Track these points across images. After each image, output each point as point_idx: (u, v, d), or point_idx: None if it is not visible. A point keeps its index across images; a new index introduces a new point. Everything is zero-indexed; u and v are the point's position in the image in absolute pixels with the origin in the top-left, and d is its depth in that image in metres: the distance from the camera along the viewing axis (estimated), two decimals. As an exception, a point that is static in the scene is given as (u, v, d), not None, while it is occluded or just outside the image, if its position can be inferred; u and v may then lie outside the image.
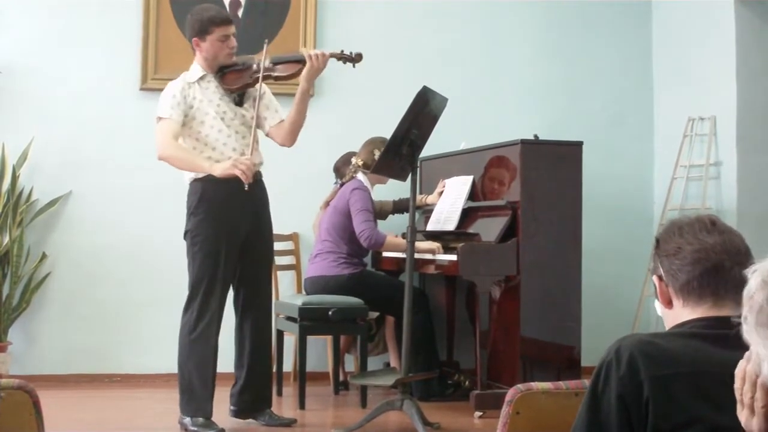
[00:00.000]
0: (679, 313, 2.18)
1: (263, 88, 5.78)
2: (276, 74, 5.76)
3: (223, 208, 5.62)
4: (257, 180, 5.71)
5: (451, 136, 7.25)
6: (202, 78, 5.71)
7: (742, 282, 2.09)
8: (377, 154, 6.86)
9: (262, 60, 5.67)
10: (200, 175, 5.62)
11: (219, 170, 5.48)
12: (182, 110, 5.59)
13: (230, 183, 5.51)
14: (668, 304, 2.21)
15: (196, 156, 5.61)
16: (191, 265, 5.68)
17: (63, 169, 7.40)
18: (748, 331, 1.74)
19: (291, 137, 5.88)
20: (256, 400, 5.86)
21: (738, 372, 1.80)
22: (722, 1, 7.37)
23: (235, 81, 5.75)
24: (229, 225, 5.64)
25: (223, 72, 5.76)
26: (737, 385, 1.80)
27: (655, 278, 2.24)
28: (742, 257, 2.16)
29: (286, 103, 6.02)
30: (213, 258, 5.62)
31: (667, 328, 2.25)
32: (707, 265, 2.13)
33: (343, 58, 5.79)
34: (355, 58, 5.79)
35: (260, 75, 5.65)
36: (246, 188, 5.41)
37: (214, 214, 5.62)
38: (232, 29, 5.74)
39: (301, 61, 5.74)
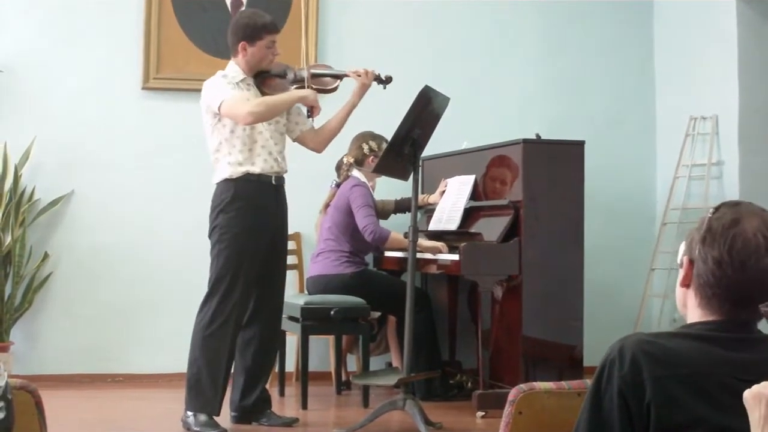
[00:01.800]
0: (693, 305, 2.14)
1: None
2: (315, 87, 5.91)
3: (254, 208, 5.69)
4: (282, 185, 5.88)
5: (453, 136, 7.25)
6: (242, 80, 5.78)
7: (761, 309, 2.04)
8: (366, 148, 6.91)
9: (307, 71, 5.89)
10: (234, 176, 5.67)
11: (308, 94, 5.77)
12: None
13: (262, 184, 5.72)
14: (687, 286, 2.17)
15: (279, 95, 5.77)
16: (215, 262, 5.70)
17: (65, 168, 7.40)
18: None
19: (327, 143, 6.09)
20: (257, 402, 5.86)
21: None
22: (724, 0, 7.37)
23: (276, 88, 5.87)
24: (257, 225, 5.70)
25: (262, 77, 5.86)
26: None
27: (685, 258, 2.16)
28: None
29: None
30: (238, 256, 5.65)
31: (678, 301, 2.22)
32: (738, 293, 2.06)
33: (377, 78, 6.00)
34: (386, 81, 6.04)
35: (307, 85, 5.84)
36: (313, 117, 5.84)
37: (244, 213, 5.67)
38: (277, 37, 5.86)
39: (339, 77, 5.98)
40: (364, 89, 5.94)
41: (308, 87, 5.83)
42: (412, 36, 7.99)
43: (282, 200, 5.88)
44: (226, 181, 5.69)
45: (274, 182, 5.78)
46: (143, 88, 7.53)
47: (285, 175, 5.90)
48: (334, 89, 6.00)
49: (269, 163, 5.73)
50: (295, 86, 5.88)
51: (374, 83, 6.00)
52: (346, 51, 7.76)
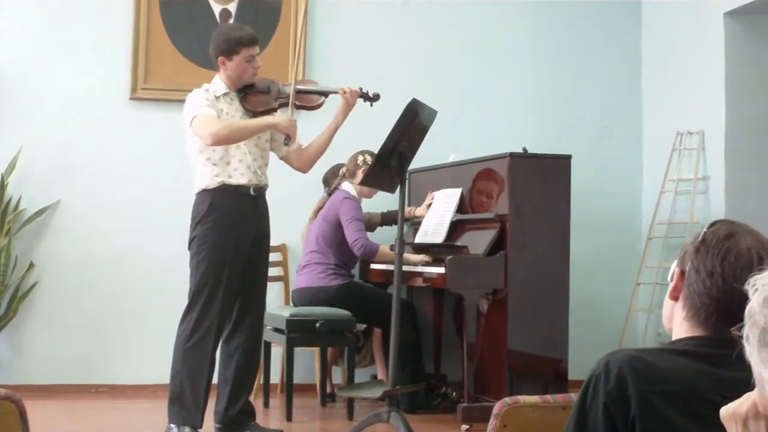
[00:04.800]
0: (680, 318, 2.15)
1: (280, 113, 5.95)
2: (299, 103, 5.88)
3: (232, 218, 5.64)
4: (261, 195, 5.81)
5: (439, 149, 7.26)
6: (225, 94, 5.75)
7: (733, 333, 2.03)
8: (360, 159, 6.92)
9: (292, 87, 5.81)
10: (211, 186, 5.63)
11: (280, 121, 5.71)
12: (215, 111, 5.63)
13: (240, 194, 5.66)
14: (675, 298, 2.18)
15: (250, 120, 5.73)
16: (194, 273, 5.66)
17: (52, 178, 7.38)
18: (750, 352, 1.71)
19: (311, 164, 6.04)
20: (241, 414, 5.83)
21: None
22: (711, 15, 7.40)
23: (259, 104, 5.81)
24: (236, 236, 5.65)
25: (245, 92, 5.81)
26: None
27: (677, 269, 2.17)
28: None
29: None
30: (217, 267, 5.61)
31: (664, 315, 2.23)
32: (726, 306, 2.06)
33: (363, 95, 5.98)
34: (373, 98, 6.01)
35: (291, 101, 5.78)
36: (290, 143, 5.78)
37: (222, 224, 5.62)
38: (257, 49, 5.79)
39: (325, 94, 5.93)
40: (348, 108, 5.90)
41: (292, 104, 5.79)
42: (400, 49, 8.00)
43: (262, 210, 5.83)
44: (204, 191, 5.67)
45: (252, 192, 5.72)
46: (131, 98, 7.52)
47: (266, 187, 5.87)
48: (319, 106, 5.96)
49: (247, 177, 5.68)
50: (278, 102, 5.84)
51: (360, 100, 5.97)
52: (334, 63, 7.77)
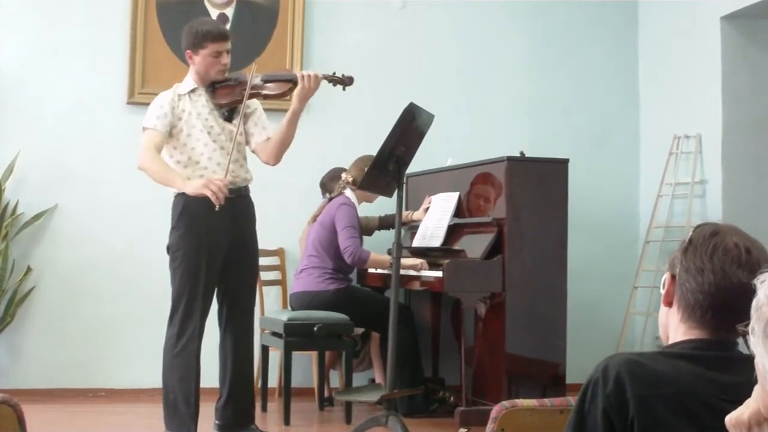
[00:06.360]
0: (675, 322, 2.16)
1: (254, 104, 5.79)
2: (265, 92, 5.72)
3: (204, 222, 5.55)
4: (243, 195, 5.74)
5: (437, 153, 7.27)
6: (193, 91, 5.67)
7: (745, 317, 2.04)
8: (366, 169, 6.89)
9: (250, 76, 5.61)
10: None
11: (190, 189, 5.37)
12: (168, 122, 5.55)
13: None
14: (669, 304, 2.19)
15: (171, 172, 5.51)
16: (173, 280, 5.64)
17: (49, 182, 7.38)
18: (755, 343, 1.71)
19: (276, 156, 5.78)
20: (239, 415, 5.81)
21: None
22: (708, 19, 7.41)
23: (224, 96, 5.70)
24: (209, 239, 5.59)
25: (214, 87, 5.71)
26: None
27: (668, 274, 2.19)
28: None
29: (276, 119, 6.02)
30: (193, 273, 5.58)
31: (659, 325, 2.24)
32: (721, 300, 2.09)
33: (334, 80, 5.74)
34: (346, 81, 5.74)
35: (247, 91, 5.60)
36: (216, 209, 5.24)
37: (194, 229, 5.58)
38: (227, 46, 5.67)
39: (292, 81, 5.70)
40: (304, 93, 5.61)
41: (255, 92, 5.63)
42: (398, 53, 8.00)
43: (240, 210, 5.71)
44: (178, 195, 5.61)
45: (227, 194, 5.47)
46: (128, 103, 7.51)
47: (245, 186, 5.76)
48: (284, 94, 5.71)
49: (219, 174, 5.49)
50: (242, 94, 5.61)
51: (331, 85, 5.75)
52: (331, 67, 7.75)
